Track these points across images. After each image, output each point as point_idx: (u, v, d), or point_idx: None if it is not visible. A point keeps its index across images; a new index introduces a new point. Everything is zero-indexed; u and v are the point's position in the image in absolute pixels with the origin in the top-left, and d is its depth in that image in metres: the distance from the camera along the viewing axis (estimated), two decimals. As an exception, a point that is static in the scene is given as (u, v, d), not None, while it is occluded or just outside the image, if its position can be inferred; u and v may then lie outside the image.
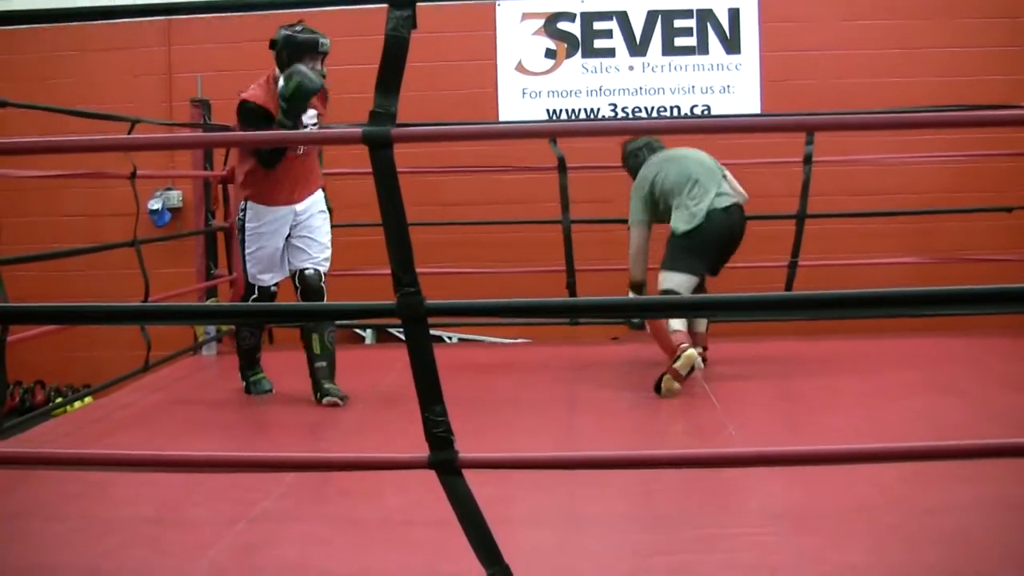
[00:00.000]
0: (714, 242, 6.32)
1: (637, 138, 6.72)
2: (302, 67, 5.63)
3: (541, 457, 3.37)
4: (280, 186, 5.94)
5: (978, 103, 7.87)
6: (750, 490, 4.14)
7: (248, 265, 6.09)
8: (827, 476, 4.10)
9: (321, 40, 5.83)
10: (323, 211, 6.17)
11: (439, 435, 2.88)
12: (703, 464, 3.50)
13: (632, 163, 6.63)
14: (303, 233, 6.05)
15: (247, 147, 5.95)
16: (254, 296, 6.09)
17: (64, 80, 9.47)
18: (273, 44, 5.89)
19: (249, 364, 6.31)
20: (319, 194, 6.16)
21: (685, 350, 5.85)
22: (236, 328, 6.42)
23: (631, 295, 6.33)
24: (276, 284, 6.14)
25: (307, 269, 6.01)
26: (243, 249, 6.10)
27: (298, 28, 5.85)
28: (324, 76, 5.77)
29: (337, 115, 8.46)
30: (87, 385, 9.06)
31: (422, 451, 2.91)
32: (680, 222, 6.34)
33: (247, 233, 6.04)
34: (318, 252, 6.09)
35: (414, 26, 2.92)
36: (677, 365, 5.86)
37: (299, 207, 6.03)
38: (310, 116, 5.83)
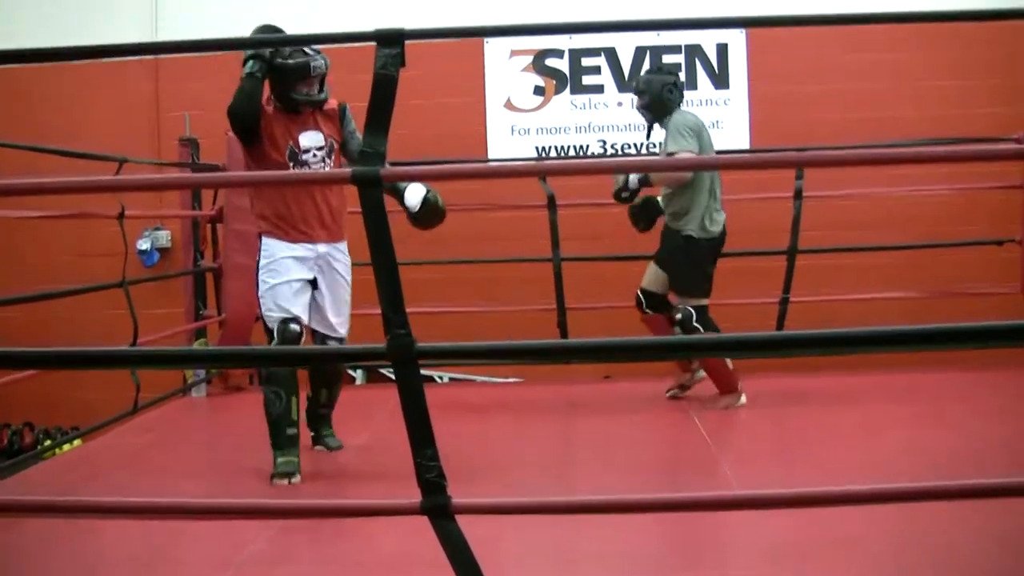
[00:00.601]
0: (712, 263, 6.48)
1: (660, 69, 6.87)
2: None
3: (534, 503, 3.32)
4: (296, 220, 5.19)
5: (967, 135, 7.88)
6: (745, 527, 4.09)
7: (264, 308, 5.24)
8: (822, 510, 4.05)
9: (313, 64, 5.19)
10: (347, 264, 5.41)
11: (431, 480, 2.84)
12: (698, 508, 3.45)
13: (665, 97, 6.49)
14: (324, 290, 5.32)
15: (238, 184, 5.80)
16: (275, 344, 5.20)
17: (51, 118, 9.45)
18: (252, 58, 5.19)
19: (279, 441, 5.22)
20: (344, 245, 5.40)
21: (742, 392, 6.44)
22: (263, 394, 5.30)
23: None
24: (300, 328, 5.22)
25: (328, 342, 5.41)
26: (258, 290, 5.30)
27: (287, 51, 5.21)
28: (325, 99, 5.29)
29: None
30: (76, 427, 9.00)
31: (415, 494, 2.87)
32: (699, 225, 6.37)
33: (261, 272, 5.25)
34: (336, 316, 5.40)
35: (402, 64, 2.90)
36: (730, 404, 6.37)
37: (321, 248, 5.27)
38: (316, 142, 5.25)
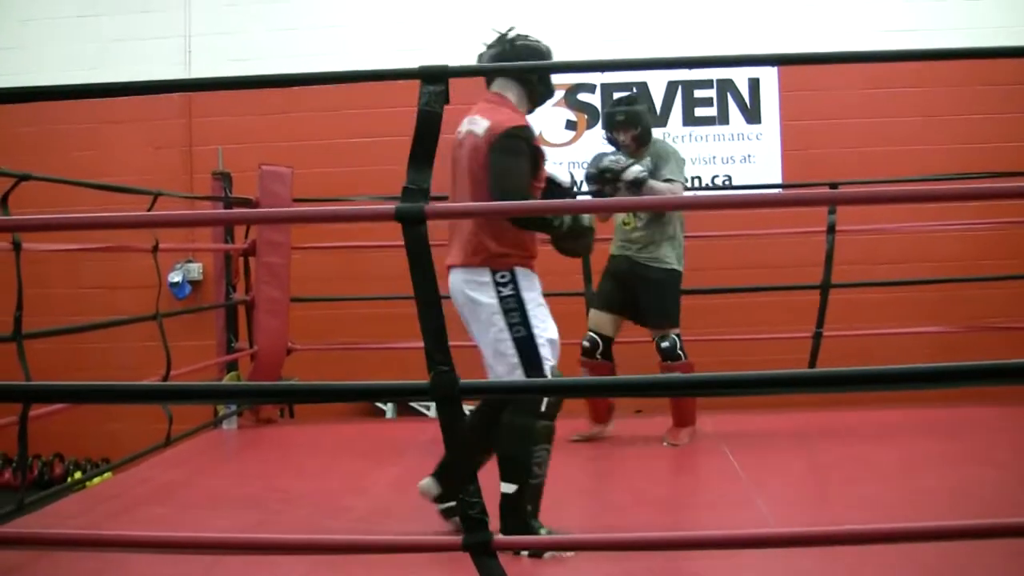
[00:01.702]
0: None
1: (631, 100, 6.74)
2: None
3: (574, 539, 3.30)
4: (534, 251, 4.57)
5: (998, 170, 7.85)
6: (780, 561, 4.04)
7: (541, 348, 4.40)
8: (862, 548, 4.00)
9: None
10: None
11: (474, 516, 2.83)
12: (735, 546, 3.41)
13: (647, 122, 6.53)
14: None
15: (274, 221, 5.72)
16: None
17: (85, 153, 9.52)
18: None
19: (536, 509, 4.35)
20: None
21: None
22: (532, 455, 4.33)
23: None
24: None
25: None
26: (527, 330, 4.38)
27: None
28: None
29: (366, 187, 8.47)
30: (106, 458, 9.01)
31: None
32: (677, 256, 6.41)
33: (529, 305, 4.40)
34: None
35: (447, 101, 2.90)
36: (690, 438, 6.36)
37: None
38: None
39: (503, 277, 4.38)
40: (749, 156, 9.01)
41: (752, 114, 9.09)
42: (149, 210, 6.02)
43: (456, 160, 4.52)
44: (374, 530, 4.74)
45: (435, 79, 2.85)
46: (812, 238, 7.55)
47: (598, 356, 6.53)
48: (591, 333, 6.58)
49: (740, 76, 9.10)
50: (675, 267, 6.44)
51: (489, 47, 4.63)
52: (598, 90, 9.26)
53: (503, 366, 4.37)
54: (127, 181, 7.22)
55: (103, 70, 9.44)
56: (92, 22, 9.83)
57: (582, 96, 9.29)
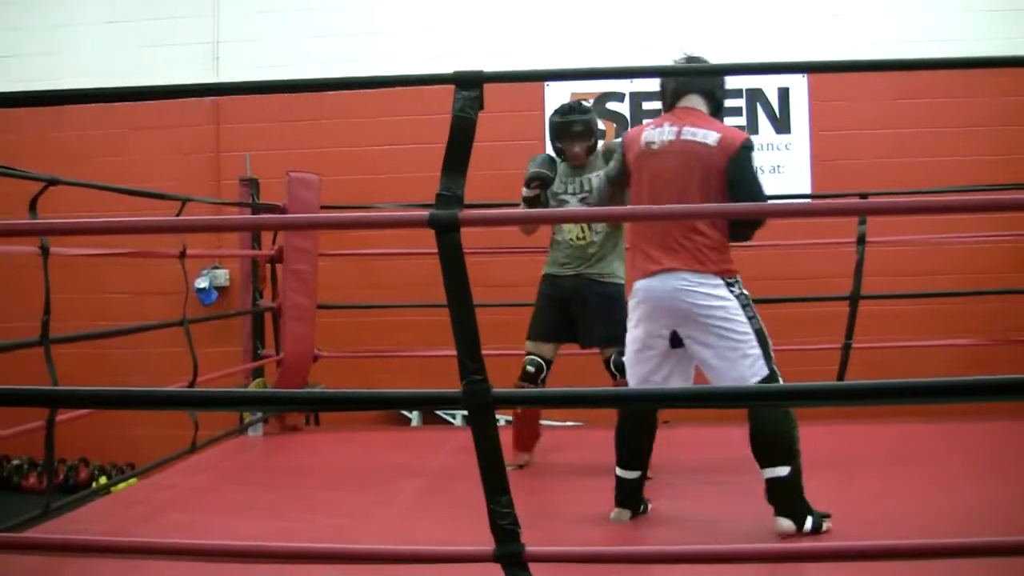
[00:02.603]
0: None
1: (583, 108, 6.20)
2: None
3: (609, 551, 3.27)
4: None
5: (1017, 180, 7.80)
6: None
7: (772, 351, 4.65)
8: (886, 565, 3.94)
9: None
10: None
11: (505, 527, 2.80)
12: (780, 559, 3.37)
13: (597, 130, 6.28)
14: None
15: (300, 226, 5.71)
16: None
17: (113, 158, 9.56)
18: None
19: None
20: None
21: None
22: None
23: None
24: None
25: None
26: (762, 339, 4.61)
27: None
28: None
29: (393, 195, 8.46)
30: (131, 463, 9.03)
31: (479, 538, 2.82)
32: (623, 271, 5.94)
33: (748, 310, 4.63)
34: None
35: (481, 107, 2.87)
36: (522, 464, 6.19)
37: None
38: None
39: (731, 278, 4.59)
40: (778, 166, 8.96)
41: (781, 124, 9.04)
42: (177, 216, 6.00)
43: (662, 168, 4.63)
44: (401, 539, 4.71)
45: (470, 84, 2.83)
46: (836, 250, 7.51)
47: (541, 382, 6.09)
48: (535, 357, 6.12)
49: (769, 85, 9.05)
50: (623, 281, 5.89)
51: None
52: (627, 99, 9.24)
53: (743, 362, 4.53)
54: (154, 187, 7.20)
55: (133, 76, 9.45)
56: (122, 28, 9.86)
57: (611, 105, 9.27)
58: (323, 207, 7.36)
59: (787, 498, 4.53)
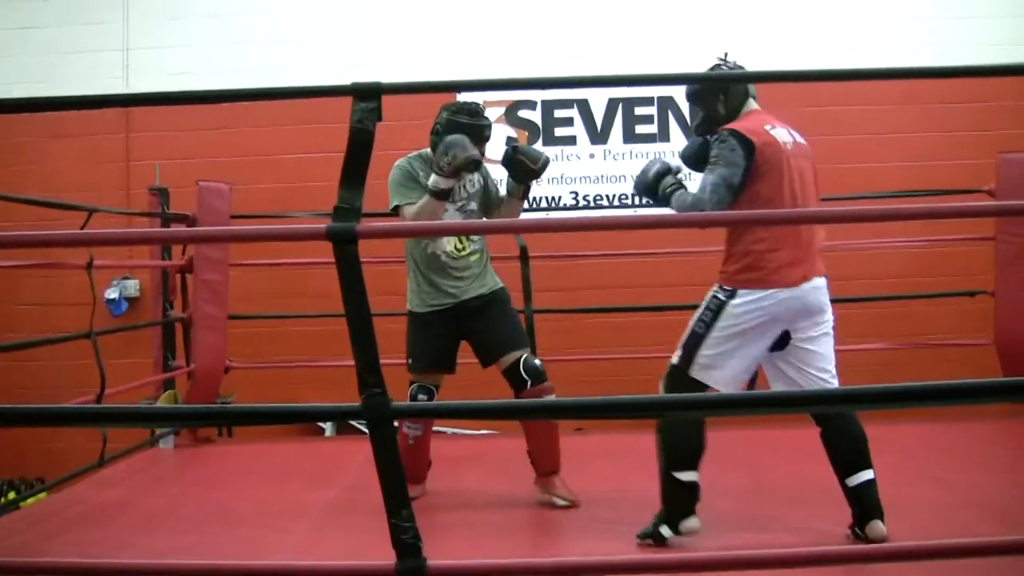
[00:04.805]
0: None
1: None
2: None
3: (516, 564, 3.25)
4: None
5: (945, 186, 7.92)
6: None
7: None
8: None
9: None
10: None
11: (407, 541, 2.79)
12: (681, 569, 3.35)
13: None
14: None
15: (211, 239, 5.66)
16: None
17: (23, 167, 9.41)
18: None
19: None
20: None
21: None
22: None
23: None
24: None
25: None
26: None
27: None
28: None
29: (306, 203, 8.40)
30: (41, 478, 8.88)
31: (385, 553, 2.81)
32: None
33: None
34: None
35: (379, 118, 2.86)
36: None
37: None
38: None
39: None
40: (690, 174, 8.95)
41: (691, 132, 9.08)
42: (83, 226, 5.91)
43: (800, 169, 4.65)
44: (313, 552, 4.69)
45: (368, 96, 2.81)
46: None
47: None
48: (427, 386, 5.68)
49: (680, 93, 9.02)
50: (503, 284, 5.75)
51: (712, 69, 4.87)
52: (539, 107, 9.27)
53: (831, 367, 4.77)
54: (67, 196, 7.13)
55: (42, 84, 9.34)
56: (31, 35, 9.73)
57: (523, 113, 9.30)
58: (234, 216, 7.29)
59: (876, 497, 4.55)
